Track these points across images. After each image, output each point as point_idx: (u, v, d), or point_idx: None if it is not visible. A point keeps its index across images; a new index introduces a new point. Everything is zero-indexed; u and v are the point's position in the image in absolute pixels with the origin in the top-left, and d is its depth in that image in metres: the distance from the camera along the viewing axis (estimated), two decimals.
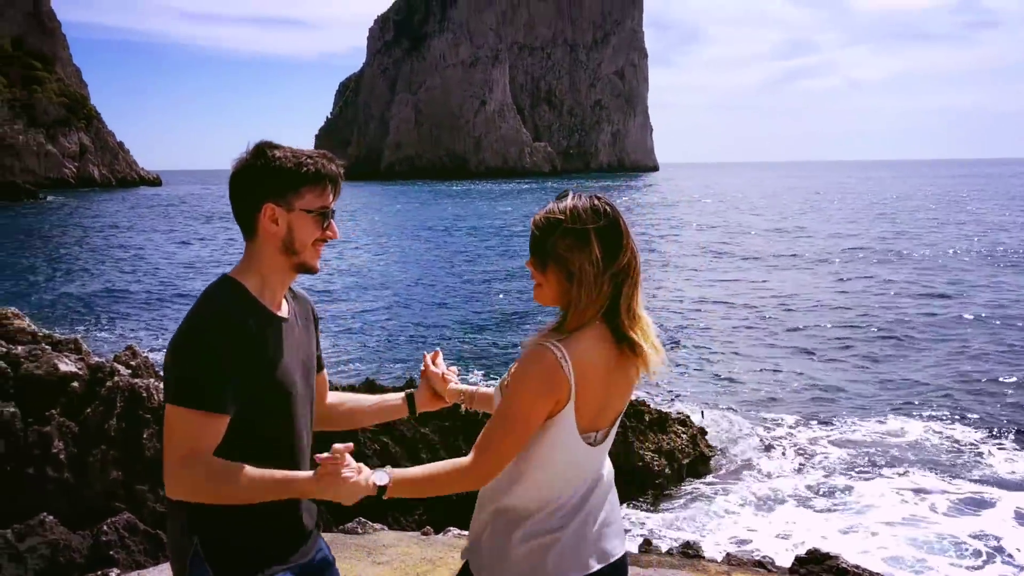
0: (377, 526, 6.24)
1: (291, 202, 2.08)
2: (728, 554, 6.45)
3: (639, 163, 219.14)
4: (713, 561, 5.87)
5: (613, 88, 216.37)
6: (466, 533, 5.53)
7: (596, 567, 2.15)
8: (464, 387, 2.59)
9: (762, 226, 51.83)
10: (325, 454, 1.96)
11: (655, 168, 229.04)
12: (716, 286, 27.13)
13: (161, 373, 8.10)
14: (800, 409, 13.50)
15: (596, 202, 2.12)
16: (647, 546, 6.86)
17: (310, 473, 2.00)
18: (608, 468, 2.28)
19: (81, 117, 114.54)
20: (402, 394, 2.61)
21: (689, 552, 6.22)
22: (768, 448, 11.63)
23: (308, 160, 2.09)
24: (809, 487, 10.26)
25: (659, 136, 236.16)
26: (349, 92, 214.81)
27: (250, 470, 1.98)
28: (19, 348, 7.89)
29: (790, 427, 12.55)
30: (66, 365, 7.69)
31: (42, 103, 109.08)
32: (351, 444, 1.99)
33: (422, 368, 2.63)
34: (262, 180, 2.08)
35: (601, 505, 2.23)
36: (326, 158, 2.13)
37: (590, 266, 2.07)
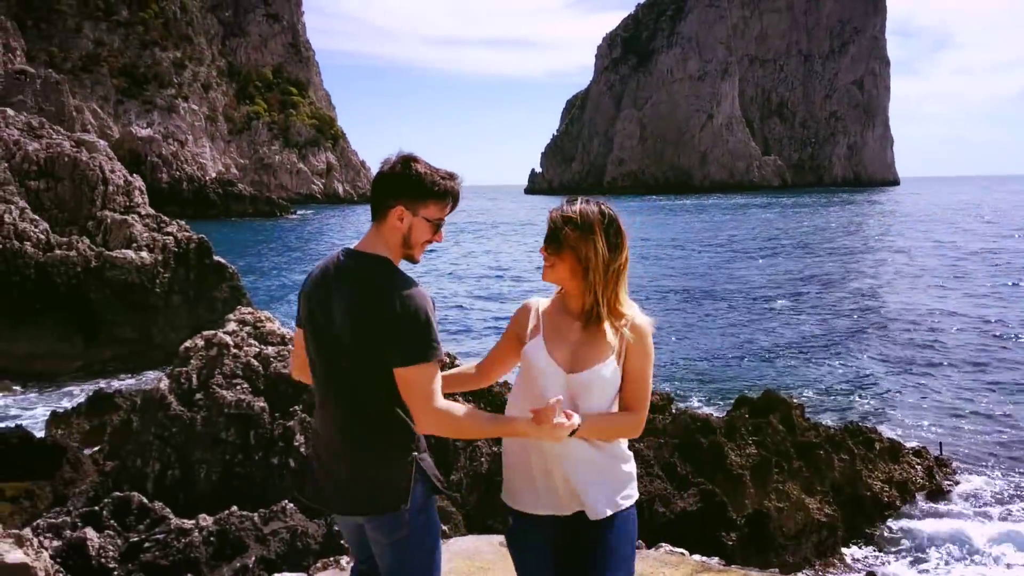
0: None
1: (417, 209, 2.60)
2: None
3: (877, 176, 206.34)
4: None
5: (851, 99, 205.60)
6: (678, 549, 5.45)
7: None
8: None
9: None
10: (543, 406, 2.40)
11: (895, 182, 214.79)
12: (971, 310, 25.04)
13: None
14: None
15: (604, 208, 2.63)
16: None
17: (527, 417, 2.44)
18: None
19: (328, 137, 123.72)
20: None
21: None
22: (1015, 490, 10.58)
23: (439, 179, 2.59)
24: None
25: (900, 149, 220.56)
26: (575, 109, 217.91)
27: (471, 410, 2.52)
28: (269, 349, 8.62)
29: None
30: None
31: (296, 125, 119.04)
32: (560, 398, 2.43)
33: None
34: (401, 185, 2.59)
35: None
36: (452, 179, 2.63)
37: (596, 259, 2.56)
